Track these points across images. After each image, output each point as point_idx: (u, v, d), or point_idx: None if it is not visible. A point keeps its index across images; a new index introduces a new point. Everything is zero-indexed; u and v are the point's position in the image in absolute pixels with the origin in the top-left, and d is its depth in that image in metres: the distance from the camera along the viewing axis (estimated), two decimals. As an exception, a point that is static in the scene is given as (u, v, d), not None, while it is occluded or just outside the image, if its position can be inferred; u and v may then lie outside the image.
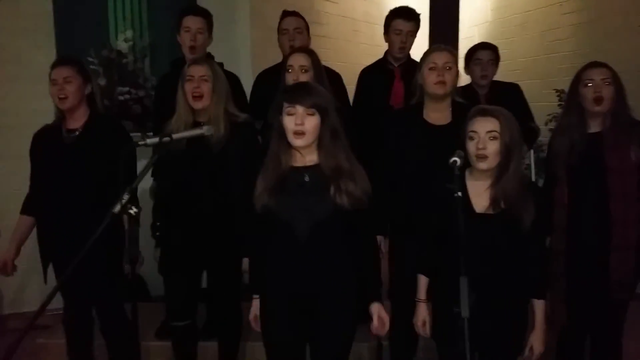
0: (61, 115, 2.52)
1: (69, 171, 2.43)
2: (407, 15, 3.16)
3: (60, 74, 2.45)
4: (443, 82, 2.38)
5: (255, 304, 2.08)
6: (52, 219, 2.48)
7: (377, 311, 1.96)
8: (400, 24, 3.14)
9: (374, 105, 3.18)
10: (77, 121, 2.51)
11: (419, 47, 3.24)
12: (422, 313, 2.13)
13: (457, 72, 2.47)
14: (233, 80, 2.93)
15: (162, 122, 2.60)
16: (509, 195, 1.94)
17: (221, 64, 2.86)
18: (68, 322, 2.64)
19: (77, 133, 2.49)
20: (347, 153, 1.93)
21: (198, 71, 2.40)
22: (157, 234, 2.55)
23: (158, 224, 2.54)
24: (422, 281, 2.13)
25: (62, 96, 2.43)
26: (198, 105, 2.40)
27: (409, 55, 3.26)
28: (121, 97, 3.86)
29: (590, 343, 2.48)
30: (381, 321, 1.97)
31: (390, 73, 3.23)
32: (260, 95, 3.13)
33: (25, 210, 2.60)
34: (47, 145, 2.52)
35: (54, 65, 2.50)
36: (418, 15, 3.23)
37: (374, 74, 3.32)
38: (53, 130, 2.53)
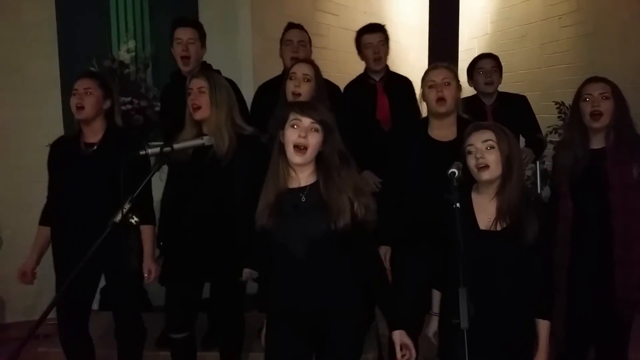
0: (79, 128, 2.54)
1: (85, 185, 2.44)
2: (371, 28, 3.31)
3: (81, 85, 2.49)
4: (443, 99, 2.42)
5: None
6: (67, 232, 2.49)
7: (399, 339, 1.87)
8: (368, 38, 3.27)
9: (361, 120, 3.22)
10: (95, 135, 2.53)
11: (419, 60, 3.28)
12: (435, 326, 2.14)
13: (457, 86, 2.50)
14: (230, 85, 2.91)
15: (167, 134, 2.59)
16: (513, 206, 1.94)
17: (218, 71, 2.86)
18: (66, 343, 2.58)
19: (94, 147, 2.51)
20: (350, 172, 1.89)
21: (196, 84, 2.44)
22: (161, 243, 2.56)
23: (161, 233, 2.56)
24: (436, 296, 2.15)
25: (80, 105, 2.46)
26: (197, 116, 2.43)
27: (387, 68, 3.35)
28: (123, 107, 3.86)
29: (595, 355, 2.45)
30: (406, 347, 1.87)
31: (373, 88, 3.30)
32: (259, 106, 3.16)
33: (44, 220, 2.61)
34: (64, 157, 2.54)
35: (78, 77, 2.54)
36: (383, 26, 3.36)
37: (357, 90, 3.38)
38: (71, 142, 2.55)
